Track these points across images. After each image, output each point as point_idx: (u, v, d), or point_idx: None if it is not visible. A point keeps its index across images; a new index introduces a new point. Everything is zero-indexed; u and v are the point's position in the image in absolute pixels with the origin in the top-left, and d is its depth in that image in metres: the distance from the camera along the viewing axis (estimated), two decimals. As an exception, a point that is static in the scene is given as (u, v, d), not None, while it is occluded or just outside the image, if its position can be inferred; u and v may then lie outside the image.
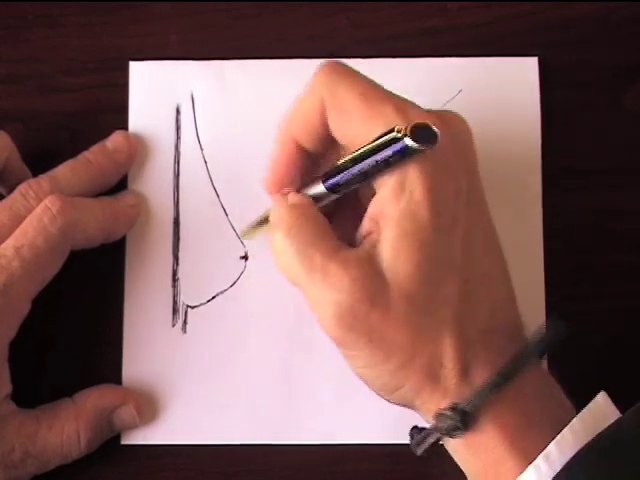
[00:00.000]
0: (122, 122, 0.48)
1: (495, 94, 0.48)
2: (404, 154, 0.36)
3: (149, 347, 0.47)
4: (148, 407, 0.46)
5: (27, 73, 0.49)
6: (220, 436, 0.46)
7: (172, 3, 0.49)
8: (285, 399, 0.46)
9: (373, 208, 0.38)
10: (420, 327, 0.37)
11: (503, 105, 0.48)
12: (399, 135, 0.36)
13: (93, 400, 0.45)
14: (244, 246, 0.48)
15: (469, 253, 0.38)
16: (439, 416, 0.37)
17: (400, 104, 0.38)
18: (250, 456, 0.46)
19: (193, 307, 0.47)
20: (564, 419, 0.38)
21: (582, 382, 0.45)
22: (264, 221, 0.44)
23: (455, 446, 0.39)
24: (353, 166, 0.38)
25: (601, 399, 0.39)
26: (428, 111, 0.39)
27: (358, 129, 0.38)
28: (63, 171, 0.46)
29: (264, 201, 0.47)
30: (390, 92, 0.39)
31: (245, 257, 0.48)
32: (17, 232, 0.43)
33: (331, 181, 0.40)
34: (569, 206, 0.48)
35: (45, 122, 0.48)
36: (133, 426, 0.46)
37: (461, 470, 0.39)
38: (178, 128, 0.48)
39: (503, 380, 0.37)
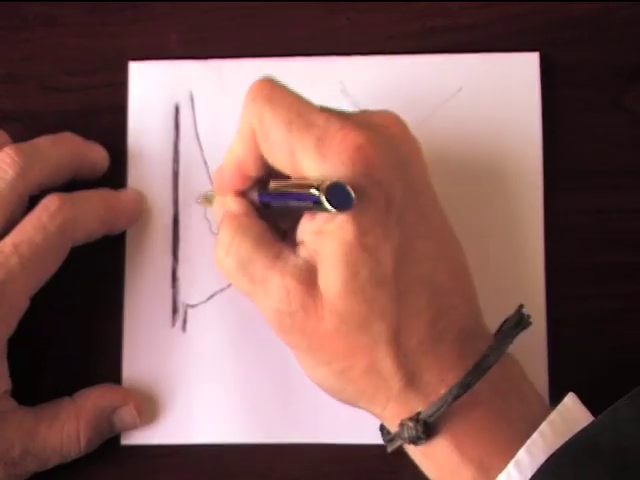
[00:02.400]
0: (122, 122, 0.48)
1: (495, 91, 0.48)
2: (322, 207, 0.36)
3: (149, 347, 0.47)
4: (148, 407, 0.46)
5: (27, 73, 0.49)
6: (220, 436, 0.46)
7: (172, 3, 0.49)
8: (285, 399, 0.46)
9: (310, 224, 0.39)
10: (353, 341, 0.38)
11: (504, 103, 0.48)
12: (316, 194, 0.36)
13: (93, 400, 0.45)
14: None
15: (406, 264, 0.38)
16: (402, 425, 0.38)
17: (321, 136, 0.38)
18: (250, 456, 0.46)
19: (193, 306, 0.47)
20: (528, 418, 0.38)
21: (582, 382, 0.45)
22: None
23: (413, 451, 0.39)
24: (280, 196, 0.39)
25: (569, 401, 0.39)
26: (356, 124, 0.38)
27: (284, 160, 0.39)
28: (44, 141, 0.46)
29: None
30: (316, 114, 0.39)
31: (245, 257, 0.48)
32: (16, 230, 0.43)
33: (263, 199, 0.41)
34: (569, 206, 0.48)
35: (45, 122, 0.48)
36: (133, 426, 0.46)
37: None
38: (177, 128, 0.48)
39: (463, 390, 0.37)
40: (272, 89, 0.40)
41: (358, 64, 0.48)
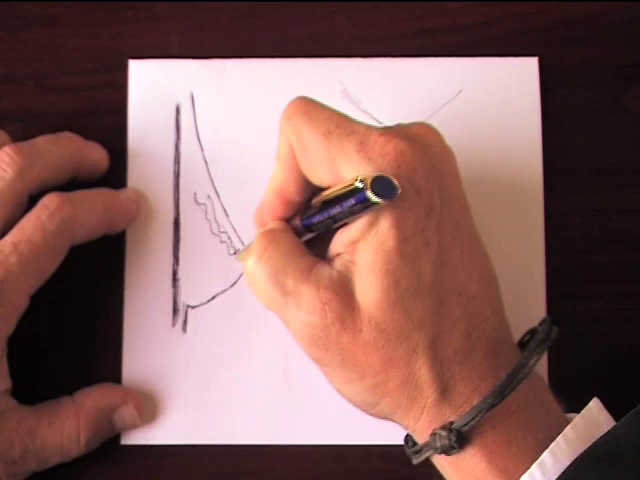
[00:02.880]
0: (122, 122, 0.48)
1: (495, 94, 0.48)
2: (367, 203, 0.36)
3: (149, 347, 0.47)
4: (148, 407, 0.46)
5: (27, 73, 0.49)
6: (220, 436, 0.46)
7: (172, 3, 0.49)
8: (285, 399, 0.46)
9: (347, 234, 0.38)
10: (391, 353, 0.37)
11: (503, 105, 0.48)
12: (360, 186, 0.36)
13: (93, 399, 0.45)
14: (244, 246, 0.48)
15: (443, 273, 0.38)
16: (434, 435, 0.38)
17: (364, 141, 0.38)
18: (250, 456, 0.46)
19: (193, 307, 0.47)
20: (552, 428, 0.37)
21: (582, 382, 0.45)
22: None
23: (440, 461, 0.39)
24: (323, 210, 0.39)
25: (594, 405, 0.39)
26: (396, 132, 0.38)
27: (324, 172, 0.39)
28: (43, 141, 0.46)
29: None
30: (356, 124, 0.39)
31: (245, 257, 0.48)
32: (15, 229, 0.43)
33: (306, 221, 0.40)
34: (569, 206, 0.48)
35: (45, 122, 0.48)
36: (133, 426, 0.46)
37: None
38: (178, 128, 0.48)
39: (498, 399, 0.37)
40: (308, 105, 0.39)
41: (359, 65, 0.48)
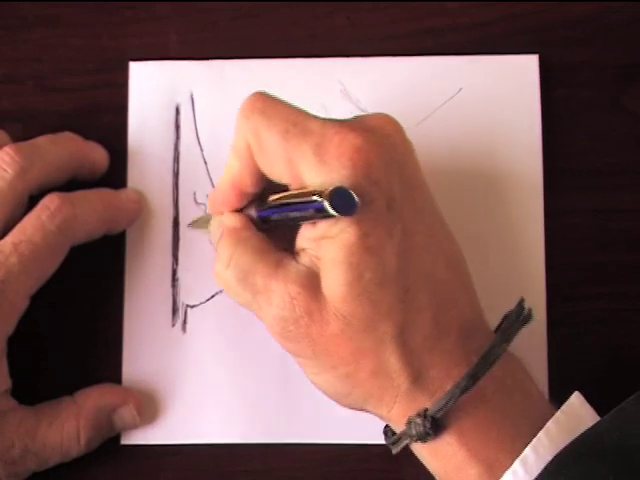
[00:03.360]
0: (122, 122, 0.48)
1: (495, 93, 0.48)
2: (326, 214, 0.36)
3: (149, 347, 0.47)
4: (148, 407, 0.46)
5: (27, 73, 0.49)
6: (220, 436, 0.46)
7: (172, 3, 0.49)
8: (285, 399, 0.46)
9: (311, 230, 0.39)
10: (359, 343, 0.38)
11: (503, 104, 0.48)
12: (319, 200, 0.36)
13: (93, 399, 0.45)
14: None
15: (408, 261, 0.38)
16: (409, 423, 0.38)
17: (319, 142, 0.38)
18: (250, 456, 0.46)
19: (193, 307, 0.47)
20: (532, 414, 0.38)
21: (582, 382, 0.45)
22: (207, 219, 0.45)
23: (418, 449, 0.39)
24: (282, 210, 0.39)
25: (575, 400, 0.39)
26: (352, 127, 0.38)
27: (282, 171, 0.39)
28: (43, 141, 0.46)
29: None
30: (313, 121, 0.39)
31: (245, 257, 0.48)
32: (15, 229, 0.43)
33: (262, 213, 0.41)
34: (569, 206, 0.48)
35: (45, 122, 0.48)
36: (133, 426, 0.46)
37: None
38: (178, 128, 0.48)
39: (471, 383, 0.37)
40: (265, 102, 0.40)
41: (358, 65, 0.48)
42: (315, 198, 0.36)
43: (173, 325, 0.47)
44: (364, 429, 0.46)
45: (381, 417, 0.40)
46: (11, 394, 0.44)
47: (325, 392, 0.40)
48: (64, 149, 0.46)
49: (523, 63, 0.48)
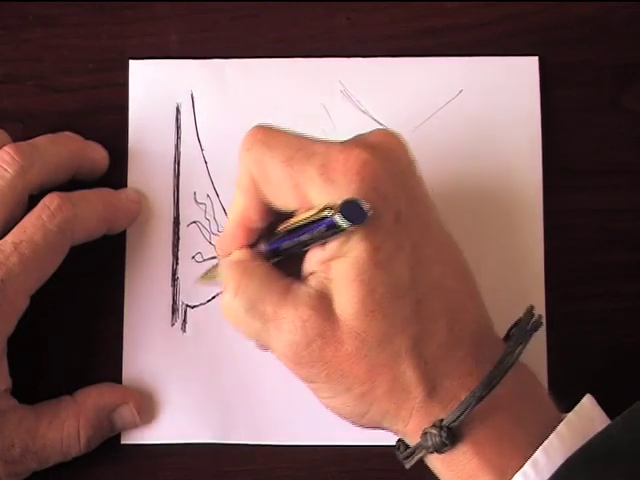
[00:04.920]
0: (122, 122, 0.48)
1: (495, 94, 0.48)
2: (338, 230, 0.36)
3: (149, 347, 0.47)
4: (148, 407, 0.46)
5: (27, 73, 0.49)
6: (220, 436, 0.46)
7: (172, 3, 0.49)
8: (285, 399, 0.46)
9: (320, 253, 0.38)
10: (374, 360, 0.38)
11: (503, 105, 0.48)
12: (329, 215, 0.36)
13: (93, 398, 0.45)
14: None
15: (419, 272, 0.38)
16: (425, 434, 0.38)
17: (325, 162, 0.38)
18: (250, 456, 0.46)
19: (193, 307, 0.47)
20: (543, 422, 0.37)
21: (582, 382, 0.45)
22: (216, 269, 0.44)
23: (432, 460, 0.39)
24: (292, 236, 0.39)
25: (587, 402, 0.38)
26: (356, 144, 0.38)
27: (290, 198, 0.38)
28: (44, 140, 0.46)
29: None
30: (316, 144, 0.38)
31: (245, 257, 0.48)
32: (16, 229, 0.43)
33: (272, 246, 0.40)
34: (569, 206, 0.48)
35: (45, 122, 0.48)
36: (133, 425, 0.46)
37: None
38: (178, 128, 0.48)
39: (486, 391, 0.37)
40: (266, 133, 0.39)
41: (358, 65, 0.48)
42: (325, 213, 0.36)
43: (173, 325, 0.47)
44: (364, 430, 0.46)
45: (397, 432, 0.39)
46: (11, 393, 0.44)
47: (340, 414, 0.40)
48: (64, 149, 0.46)
49: (523, 65, 0.48)
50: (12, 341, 0.44)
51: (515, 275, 0.47)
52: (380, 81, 0.48)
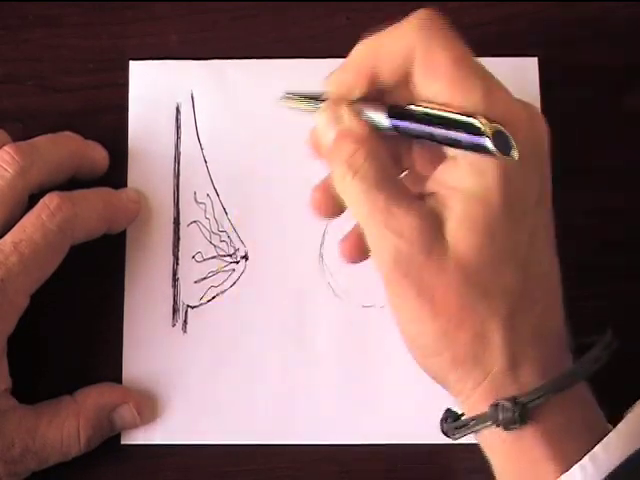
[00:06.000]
0: (122, 122, 0.48)
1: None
2: (477, 147, 0.35)
3: (149, 347, 0.47)
4: (148, 407, 0.46)
5: (27, 73, 0.49)
6: (220, 436, 0.46)
7: (172, 3, 0.49)
8: (285, 399, 0.46)
9: (444, 175, 0.37)
10: (471, 304, 0.36)
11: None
12: (482, 128, 0.35)
13: (94, 398, 0.45)
14: (244, 246, 0.48)
15: (533, 251, 0.37)
16: (496, 406, 0.36)
17: (490, 86, 0.37)
18: (250, 456, 0.46)
19: (193, 307, 0.47)
20: (601, 429, 0.37)
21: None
22: (311, 99, 0.42)
23: (490, 440, 0.38)
24: (425, 123, 0.37)
25: None
26: (517, 101, 0.38)
27: (442, 92, 0.37)
28: (43, 140, 0.46)
29: (264, 201, 0.47)
30: (481, 67, 0.38)
31: (245, 257, 0.48)
32: (15, 228, 0.43)
33: (397, 122, 0.38)
34: (569, 206, 0.48)
35: (45, 122, 0.48)
36: (133, 425, 0.46)
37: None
38: (178, 128, 0.48)
39: (567, 384, 0.37)
40: (442, 21, 0.39)
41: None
42: (478, 125, 0.35)
43: (173, 325, 0.47)
44: (364, 429, 0.46)
45: (458, 393, 0.38)
46: (11, 393, 0.44)
47: (412, 345, 0.38)
48: (64, 148, 0.46)
49: (523, 65, 0.48)
50: (12, 341, 0.44)
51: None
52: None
